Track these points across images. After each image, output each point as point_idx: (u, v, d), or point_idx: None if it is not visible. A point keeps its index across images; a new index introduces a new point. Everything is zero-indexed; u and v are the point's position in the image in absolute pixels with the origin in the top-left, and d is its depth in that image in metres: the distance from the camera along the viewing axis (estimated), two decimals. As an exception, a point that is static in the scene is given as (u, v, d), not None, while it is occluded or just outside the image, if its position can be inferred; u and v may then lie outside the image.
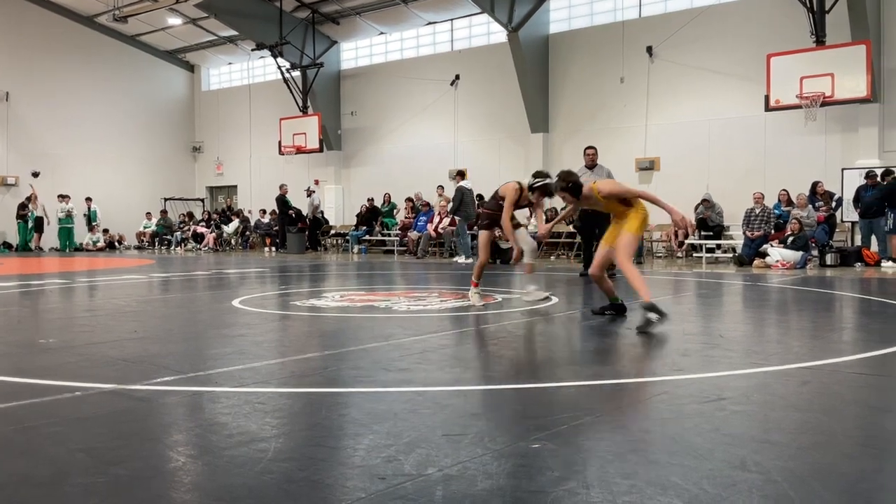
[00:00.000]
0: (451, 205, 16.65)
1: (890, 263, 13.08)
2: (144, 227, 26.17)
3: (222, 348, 5.08)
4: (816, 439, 2.90)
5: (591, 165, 11.06)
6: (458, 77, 21.51)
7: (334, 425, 3.10)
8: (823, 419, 3.21)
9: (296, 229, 21.43)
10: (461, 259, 16.25)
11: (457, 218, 16.68)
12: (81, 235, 24.60)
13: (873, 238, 13.85)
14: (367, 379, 3.97)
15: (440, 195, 19.98)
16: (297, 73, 23.41)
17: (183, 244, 24.47)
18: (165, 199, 27.36)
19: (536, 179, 7.18)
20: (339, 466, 2.57)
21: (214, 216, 25.36)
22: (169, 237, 25.07)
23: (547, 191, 7.10)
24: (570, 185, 6.11)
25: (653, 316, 5.41)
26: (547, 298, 7.64)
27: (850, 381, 3.98)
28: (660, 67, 17.99)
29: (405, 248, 19.69)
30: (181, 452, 2.75)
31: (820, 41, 14.76)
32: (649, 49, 18.04)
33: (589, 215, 10.50)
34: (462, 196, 16.05)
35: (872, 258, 13.48)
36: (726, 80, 17.00)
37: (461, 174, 16.71)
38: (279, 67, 23.18)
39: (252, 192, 26.68)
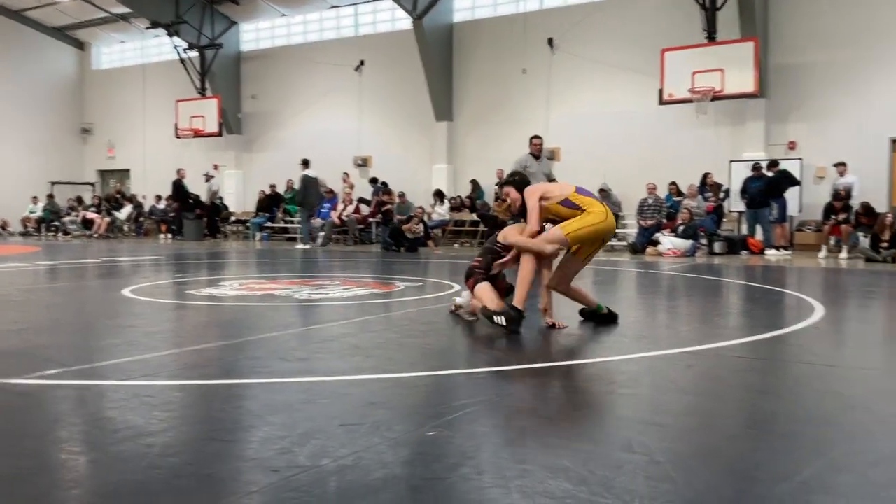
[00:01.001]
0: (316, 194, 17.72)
1: (773, 252, 13.79)
2: (30, 213, 24.87)
3: (111, 340, 4.88)
4: (700, 421, 3.03)
5: (538, 154, 10.78)
6: (362, 63, 21.33)
7: (228, 418, 3.03)
8: (707, 402, 3.36)
9: (194, 216, 20.78)
10: (300, 245, 16.88)
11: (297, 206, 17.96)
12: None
13: (758, 227, 14.57)
14: (265, 369, 3.90)
15: (345, 182, 19.81)
16: (194, 54, 22.67)
17: (68, 230, 23.37)
18: (53, 183, 26.05)
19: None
20: (231, 460, 2.51)
21: (105, 202, 24.29)
22: (56, 223, 23.90)
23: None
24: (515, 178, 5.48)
25: (500, 319, 5.03)
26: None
27: (733, 365, 4.17)
28: (560, 59, 18.33)
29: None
30: (64, 449, 2.63)
31: (711, 37, 15.38)
32: (550, 41, 18.35)
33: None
34: (306, 184, 16.99)
35: (757, 247, 14.20)
36: (623, 73, 17.46)
37: (305, 163, 17.22)
38: (175, 47, 22.38)
39: (147, 177, 25.69)
